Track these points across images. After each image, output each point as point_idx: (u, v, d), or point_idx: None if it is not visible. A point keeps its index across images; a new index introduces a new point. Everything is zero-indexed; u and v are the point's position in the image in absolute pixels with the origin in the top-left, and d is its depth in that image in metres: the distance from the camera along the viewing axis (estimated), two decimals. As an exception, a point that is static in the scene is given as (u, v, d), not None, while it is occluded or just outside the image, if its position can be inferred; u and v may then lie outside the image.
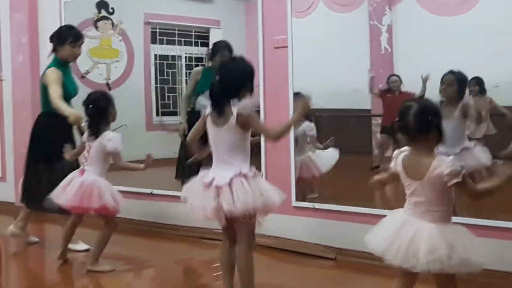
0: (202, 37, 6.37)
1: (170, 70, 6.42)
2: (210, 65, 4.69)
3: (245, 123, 2.73)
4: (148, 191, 4.90)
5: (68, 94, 4.10)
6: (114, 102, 3.74)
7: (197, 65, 6.28)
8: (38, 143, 4.18)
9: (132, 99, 6.11)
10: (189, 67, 6.39)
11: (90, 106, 3.66)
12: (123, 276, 3.69)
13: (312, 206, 4.05)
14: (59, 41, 4.17)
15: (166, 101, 6.40)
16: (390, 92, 4.77)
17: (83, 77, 5.70)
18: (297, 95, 4.15)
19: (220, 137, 2.77)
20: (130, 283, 3.68)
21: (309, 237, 4.01)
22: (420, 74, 4.46)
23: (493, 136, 4.10)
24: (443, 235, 2.25)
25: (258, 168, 3.21)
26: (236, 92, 2.74)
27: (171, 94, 6.44)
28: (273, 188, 2.80)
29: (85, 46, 5.63)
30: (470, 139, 3.94)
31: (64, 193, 3.64)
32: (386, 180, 2.63)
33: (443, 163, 2.26)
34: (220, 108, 2.75)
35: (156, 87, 6.44)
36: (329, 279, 3.60)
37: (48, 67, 4.15)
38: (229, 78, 2.75)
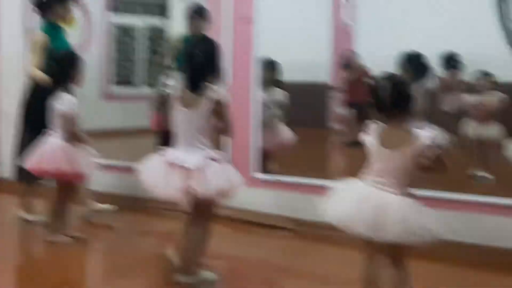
0: (162, 7, 6.27)
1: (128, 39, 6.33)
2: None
3: (219, 110, 2.76)
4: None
5: None
6: (80, 64, 3.64)
7: (157, 36, 6.19)
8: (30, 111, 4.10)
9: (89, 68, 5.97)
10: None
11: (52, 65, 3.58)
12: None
13: (274, 179, 4.09)
14: (44, 4, 4.13)
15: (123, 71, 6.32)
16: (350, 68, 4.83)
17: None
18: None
19: (189, 119, 2.77)
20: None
21: (270, 208, 4.05)
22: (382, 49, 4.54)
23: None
24: (410, 206, 2.31)
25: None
26: (212, 76, 2.78)
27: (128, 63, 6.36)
28: (236, 173, 2.86)
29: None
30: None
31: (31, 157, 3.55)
32: None
33: (421, 134, 2.31)
34: (196, 91, 2.75)
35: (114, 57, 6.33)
36: (289, 250, 3.64)
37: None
38: (208, 61, 2.79)
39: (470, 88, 4.13)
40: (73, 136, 3.54)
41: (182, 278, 2.83)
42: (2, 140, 5.25)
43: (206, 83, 2.77)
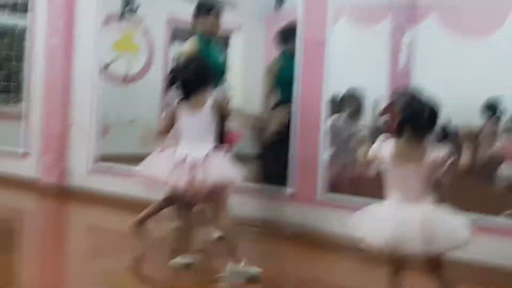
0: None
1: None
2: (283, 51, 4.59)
3: (220, 108, 3.20)
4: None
5: None
6: None
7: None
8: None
9: (149, 94, 6.20)
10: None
11: None
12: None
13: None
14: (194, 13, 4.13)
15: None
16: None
17: (105, 68, 5.79)
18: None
19: (195, 121, 3.15)
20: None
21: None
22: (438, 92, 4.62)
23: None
24: (443, 215, 2.41)
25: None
26: (210, 82, 3.24)
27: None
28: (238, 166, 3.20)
29: (109, 40, 5.83)
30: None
31: None
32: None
33: (435, 151, 2.45)
34: (196, 96, 3.15)
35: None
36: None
37: None
38: (202, 70, 3.21)
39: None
40: None
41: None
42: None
43: (204, 90, 3.18)
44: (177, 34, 6.45)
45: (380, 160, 2.54)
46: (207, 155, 3.07)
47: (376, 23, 5.22)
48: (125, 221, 3.84)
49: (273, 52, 4.76)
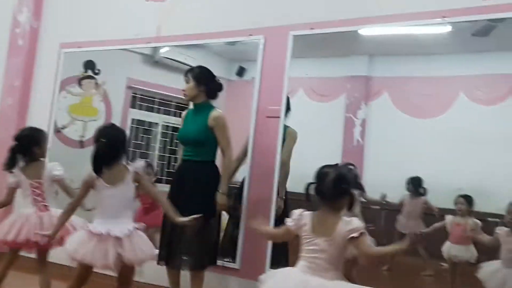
0: (181, 108, 6.55)
1: (145, 136, 6.53)
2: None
3: (139, 181, 3.23)
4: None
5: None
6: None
7: (172, 134, 6.41)
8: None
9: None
10: (164, 135, 6.51)
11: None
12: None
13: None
14: None
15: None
16: None
17: (58, 131, 5.77)
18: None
19: (113, 194, 3.15)
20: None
21: None
22: (387, 169, 4.75)
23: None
24: None
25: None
26: (123, 153, 3.26)
27: (143, 160, 6.50)
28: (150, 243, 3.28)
29: (66, 102, 5.83)
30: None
31: None
32: (277, 234, 2.82)
33: (349, 221, 2.49)
34: (111, 167, 3.18)
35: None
36: None
37: None
38: (116, 141, 3.23)
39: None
40: None
41: None
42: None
43: (122, 162, 3.21)
44: (136, 100, 6.49)
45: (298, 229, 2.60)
46: (129, 231, 3.11)
47: (332, 98, 5.39)
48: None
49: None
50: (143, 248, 3.14)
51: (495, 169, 4.21)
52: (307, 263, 2.51)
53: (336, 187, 2.52)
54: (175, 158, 5.97)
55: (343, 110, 5.28)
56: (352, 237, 2.45)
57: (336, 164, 2.63)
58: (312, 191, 2.58)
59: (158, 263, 3.82)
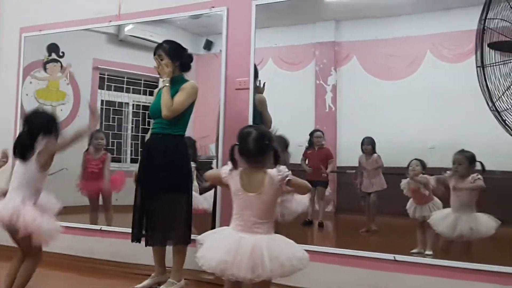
0: (150, 86, 6.47)
1: (116, 116, 6.45)
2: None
3: (40, 152, 3.22)
4: (97, 227, 4.85)
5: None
6: None
7: (144, 113, 6.34)
8: None
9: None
10: (136, 114, 6.44)
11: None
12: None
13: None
14: None
15: (110, 147, 6.39)
16: (311, 147, 5.03)
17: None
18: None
19: (22, 170, 3.26)
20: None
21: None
22: (361, 133, 4.78)
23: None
24: (279, 243, 2.55)
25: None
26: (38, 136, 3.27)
27: (115, 140, 6.43)
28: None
29: (33, 87, 5.72)
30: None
31: None
32: (210, 174, 2.96)
33: (275, 171, 2.60)
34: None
35: (101, 132, 6.40)
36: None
37: None
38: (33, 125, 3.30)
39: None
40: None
41: None
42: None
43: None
44: (104, 81, 6.40)
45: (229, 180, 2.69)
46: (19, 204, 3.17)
47: (302, 66, 5.37)
48: None
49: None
50: (31, 221, 3.14)
51: (465, 125, 4.26)
52: (239, 221, 2.60)
53: (259, 144, 2.61)
54: (148, 137, 5.92)
55: (313, 77, 5.27)
56: (289, 180, 2.57)
57: (256, 125, 2.67)
58: (236, 152, 2.66)
59: (132, 242, 3.81)
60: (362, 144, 4.70)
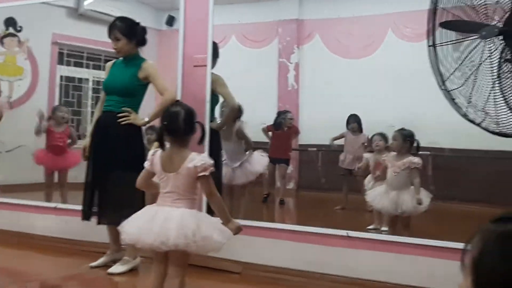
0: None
1: (76, 93, 6.34)
2: None
3: None
4: (53, 205, 4.77)
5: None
6: None
7: (104, 89, 6.24)
8: None
9: (34, 119, 5.94)
10: (96, 90, 6.34)
11: None
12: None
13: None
14: None
15: (70, 124, 6.29)
16: (279, 127, 5.02)
17: (-17, 93, 5.51)
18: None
19: None
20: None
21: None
22: (323, 111, 4.83)
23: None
24: (190, 216, 2.53)
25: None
26: None
27: (75, 117, 6.32)
28: None
29: (-11, 62, 5.56)
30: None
31: None
32: (142, 181, 2.78)
33: (197, 157, 2.55)
34: None
35: (60, 109, 6.28)
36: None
37: None
38: None
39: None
40: None
41: None
42: None
43: None
44: (63, 56, 6.27)
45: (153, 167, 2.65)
46: None
47: (265, 44, 5.37)
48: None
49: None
50: None
51: (425, 104, 4.34)
52: (161, 200, 2.60)
53: (189, 123, 2.59)
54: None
55: (276, 55, 5.28)
56: (203, 175, 2.52)
57: (180, 102, 2.71)
58: (164, 132, 2.62)
59: (82, 220, 3.75)
60: (348, 122, 4.62)
